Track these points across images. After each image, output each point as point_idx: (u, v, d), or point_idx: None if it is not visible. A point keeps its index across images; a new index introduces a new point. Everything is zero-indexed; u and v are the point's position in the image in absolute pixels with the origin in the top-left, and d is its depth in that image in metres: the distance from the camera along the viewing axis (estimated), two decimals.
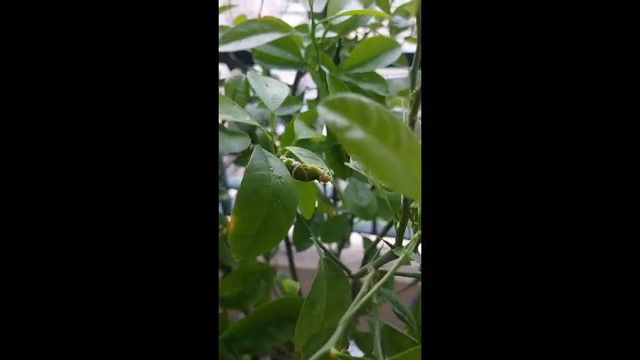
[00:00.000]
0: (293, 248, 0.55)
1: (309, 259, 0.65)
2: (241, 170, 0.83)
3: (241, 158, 0.54)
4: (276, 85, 0.28)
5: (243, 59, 0.50)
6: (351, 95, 0.15)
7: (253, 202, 0.22)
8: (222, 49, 0.29)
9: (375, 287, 0.19)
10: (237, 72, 0.32)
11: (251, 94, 0.42)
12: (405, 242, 0.25)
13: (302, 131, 0.28)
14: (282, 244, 0.58)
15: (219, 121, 0.27)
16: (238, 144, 0.26)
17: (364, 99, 0.15)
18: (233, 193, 0.67)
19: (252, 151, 0.24)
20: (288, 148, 0.26)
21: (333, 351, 0.19)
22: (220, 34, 0.28)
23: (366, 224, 0.64)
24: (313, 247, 0.50)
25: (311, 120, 0.32)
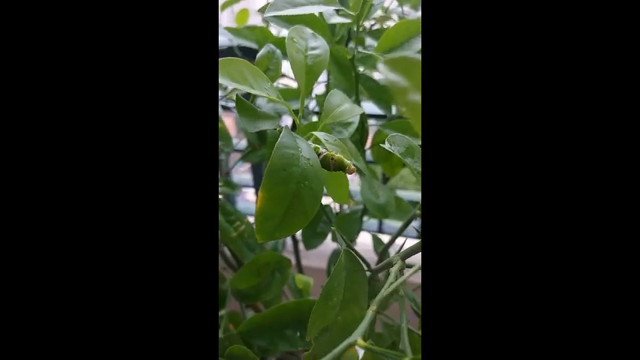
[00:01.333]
0: (300, 247, 0.54)
1: (316, 257, 0.63)
2: (245, 167, 0.82)
3: (248, 155, 0.53)
4: (320, 44, 0.26)
5: (249, 54, 0.49)
6: (414, 56, 0.14)
7: (283, 179, 0.21)
8: (272, 14, 0.28)
9: (410, 272, 0.18)
10: (270, 46, 0.30)
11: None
12: None
13: (340, 104, 0.26)
14: (289, 242, 0.57)
15: (249, 97, 0.25)
16: (267, 124, 0.24)
17: None
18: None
19: (265, 137, 0.23)
20: (314, 133, 0.25)
21: (360, 342, 0.18)
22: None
23: (372, 224, 0.63)
24: (320, 246, 0.49)
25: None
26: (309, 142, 0.24)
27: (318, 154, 0.24)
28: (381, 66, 0.14)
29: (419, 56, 0.15)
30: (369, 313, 0.18)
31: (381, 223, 0.62)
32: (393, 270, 0.21)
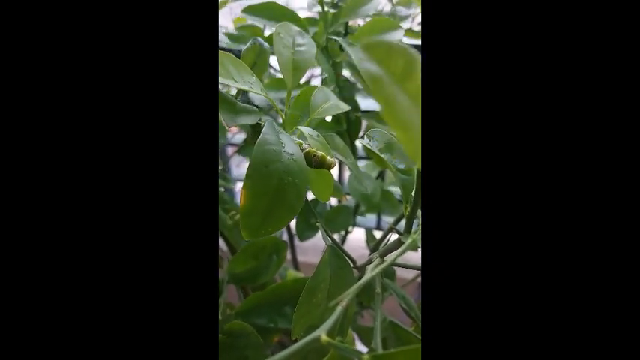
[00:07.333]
0: (296, 241, 0.53)
1: (312, 252, 0.63)
2: (245, 163, 0.82)
3: (244, 148, 0.53)
4: (307, 41, 0.26)
5: None
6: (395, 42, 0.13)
7: (265, 176, 0.21)
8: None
9: (377, 269, 0.18)
10: (257, 40, 0.30)
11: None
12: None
13: (326, 100, 0.26)
14: (285, 236, 0.57)
15: (234, 92, 0.25)
16: (247, 118, 0.24)
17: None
18: (238, 186, 0.66)
19: (259, 130, 0.22)
20: (299, 127, 0.24)
21: (324, 337, 0.17)
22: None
23: (370, 220, 0.62)
24: (315, 241, 0.49)
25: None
26: (294, 137, 0.24)
27: (301, 150, 0.24)
28: (356, 52, 0.13)
29: (401, 43, 0.13)
30: (338, 309, 0.18)
31: (379, 220, 0.61)
32: (370, 267, 0.21)
